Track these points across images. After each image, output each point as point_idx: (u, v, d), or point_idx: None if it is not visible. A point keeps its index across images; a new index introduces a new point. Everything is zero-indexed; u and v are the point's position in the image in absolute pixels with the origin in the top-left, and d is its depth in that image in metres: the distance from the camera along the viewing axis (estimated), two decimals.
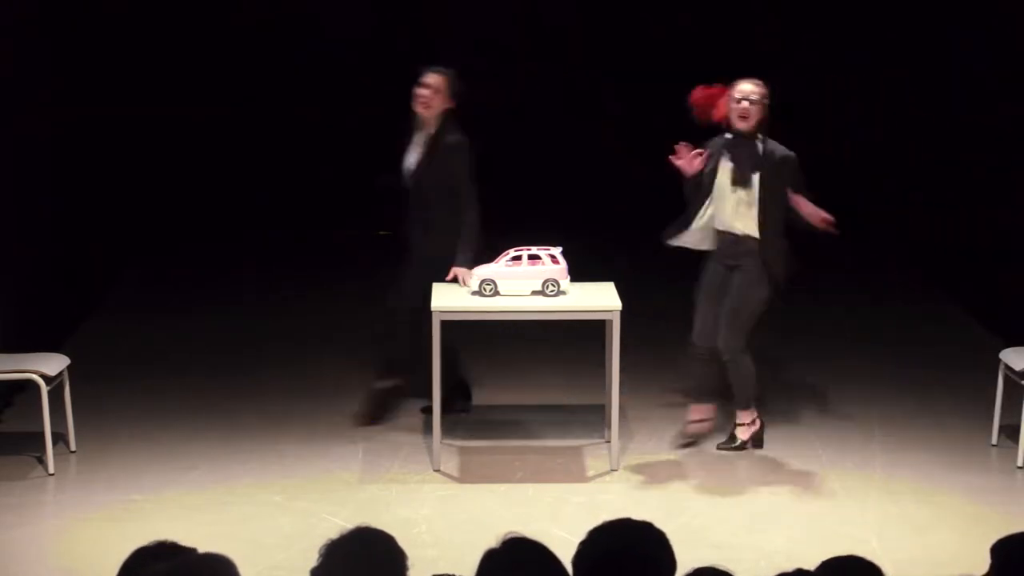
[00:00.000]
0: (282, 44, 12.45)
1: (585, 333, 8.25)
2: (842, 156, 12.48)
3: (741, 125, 7.30)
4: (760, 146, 7.33)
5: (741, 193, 7.33)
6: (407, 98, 7.63)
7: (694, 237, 7.50)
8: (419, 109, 7.62)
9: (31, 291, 8.83)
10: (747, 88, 7.33)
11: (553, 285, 7.40)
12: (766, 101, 7.33)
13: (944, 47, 11.03)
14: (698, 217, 7.44)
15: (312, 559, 3.54)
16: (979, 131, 10.45)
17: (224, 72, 12.33)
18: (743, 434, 7.59)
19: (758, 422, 7.63)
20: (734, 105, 7.31)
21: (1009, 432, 7.63)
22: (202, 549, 3.56)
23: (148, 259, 11.66)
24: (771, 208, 7.33)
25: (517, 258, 7.46)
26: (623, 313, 7.31)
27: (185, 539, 3.74)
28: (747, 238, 7.38)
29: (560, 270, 7.43)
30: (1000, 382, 7.62)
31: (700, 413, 7.68)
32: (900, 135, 12.04)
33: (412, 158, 7.67)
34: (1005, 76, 9.95)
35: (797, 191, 7.37)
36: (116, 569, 3.59)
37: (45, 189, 9.47)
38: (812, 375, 8.94)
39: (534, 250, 7.47)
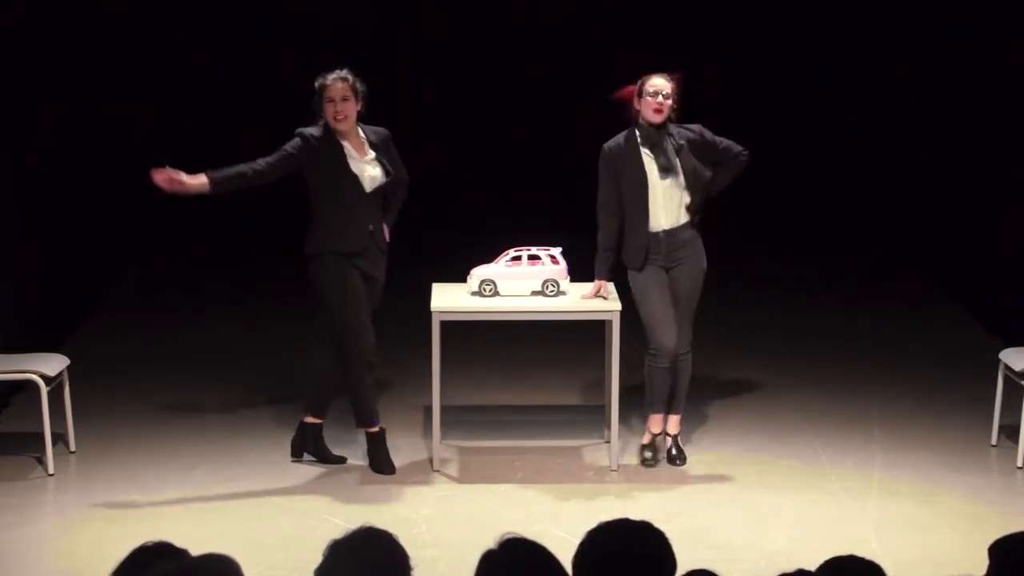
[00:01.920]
0: (280, 44, 12.45)
1: (585, 333, 8.25)
2: (842, 156, 12.49)
3: (656, 119, 7.27)
4: (672, 132, 7.31)
5: (670, 182, 7.31)
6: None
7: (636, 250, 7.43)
8: (340, 126, 7.18)
9: (31, 291, 8.83)
10: (660, 83, 7.27)
11: (553, 285, 7.40)
12: (677, 95, 7.29)
13: (944, 47, 11.02)
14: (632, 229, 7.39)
15: (312, 559, 3.54)
16: (979, 130, 10.45)
17: (223, 71, 12.32)
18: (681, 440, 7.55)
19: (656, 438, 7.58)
20: (648, 99, 7.27)
21: (1009, 432, 7.63)
22: (202, 549, 3.57)
23: (148, 259, 11.66)
24: (695, 191, 7.32)
25: (517, 258, 7.47)
26: (623, 313, 7.31)
27: (185, 539, 3.75)
28: (683, 228, 7.35)
29: (560, 270, 7.43)
30: (1000, 382, 7.62)
31: (662, 424, 7.56)
32: (900, 135, 12.04)
33: (366, 169, 7.23)
34: (1005, 75, 9.94)
35: (721, 157, 7.38)
36: (111, 570, 3.58)
37: (45, 189, 9.47)
38: (811, 375, 8.94)
39: (534, 250, 7.48)
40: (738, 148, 7.40)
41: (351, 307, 7.22)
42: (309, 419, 7.51)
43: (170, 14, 12.07)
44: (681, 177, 7.29)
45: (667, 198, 7.31)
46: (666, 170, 7.29)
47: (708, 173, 7.35)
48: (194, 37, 12.22)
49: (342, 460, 7.46)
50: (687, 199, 7.32)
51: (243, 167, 7.14)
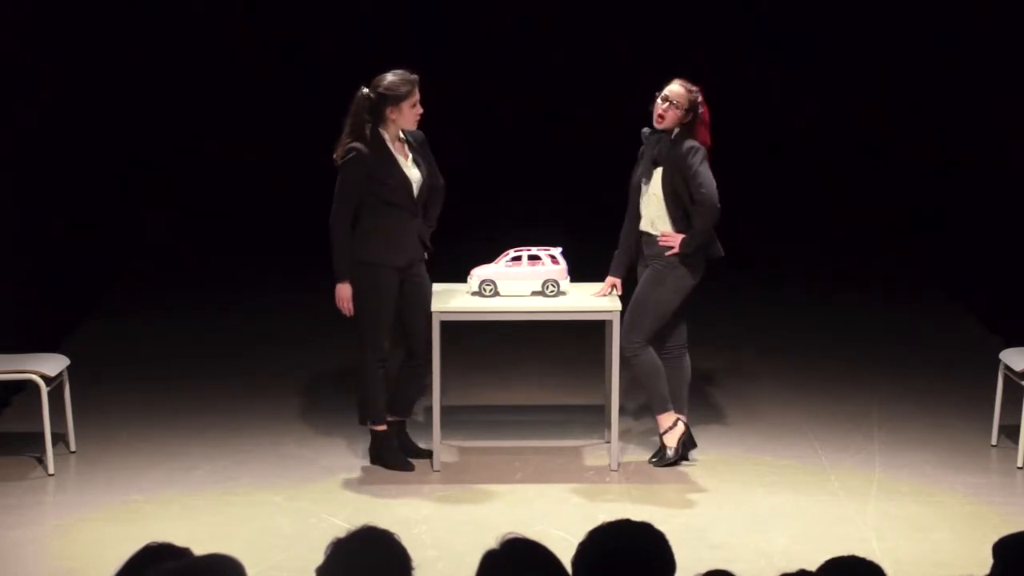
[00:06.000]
0: (279, 43, 12.45)
1: (585, 333, 8.25)
2: (841, 158, 12.49)
3: (657, 124, 7.23)
4: (671, 141, 7.22)
5: (647, 189, 7.28)
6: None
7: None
8: (414, 126, 7.23)
9: (31, 291, 8.83)
10: (672, 89, 7.20)
11: (553, 286, 7.40)
12: (690, 106, 7.16)
13: (945, 48, 11.02)
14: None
15: (312, 559, 3.55)
16: (979, 130, 10.45)
17: (223, 70, 12.32)
18: (671, 441, 7.38)
19: (680, 422, 7.40)
20: (657, 102, 7.22)
21: (1009, 432, 7.63)
22: (203, 549, 3.57)
23: (148, 259, 11.66)
24: (674, 203, 7.22)
25: (517, 258, 7.46)
26: (623, 313, 7.31)
27: (185, 539, 3.75)
28: (656, 242, 7.29)
29: (560, 270, 7.43)
30: (1000, 382, 7.62)
31: (672, 419, 7.46)
32: (901, 135, 12.03)
33: (411, 170, 7.22)
34: (1004, 76, 9.94)
35: (690, 183, 7.14)
36: (115, 569, 3.58)
37: (44, 189, 9.46)
38: (812, 375, 8.94)
39: (534, 250, 7.47)
40: (702, 192, 7.12)
41: (376, 309, 7.27)
42: (392, 419, 7.49)
43: (166, 10, 12.07)
44: (652, 189, 7.26)
45: (646, 204, 7.31)
46: (644, 177, 7.30)
47: (687, 199, 7.19)
48: (191, 34, 12.22)
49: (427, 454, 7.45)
50: (664, 218, 7.25)
51: (344, 239, 7.19)
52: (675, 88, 7.21)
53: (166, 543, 3.63)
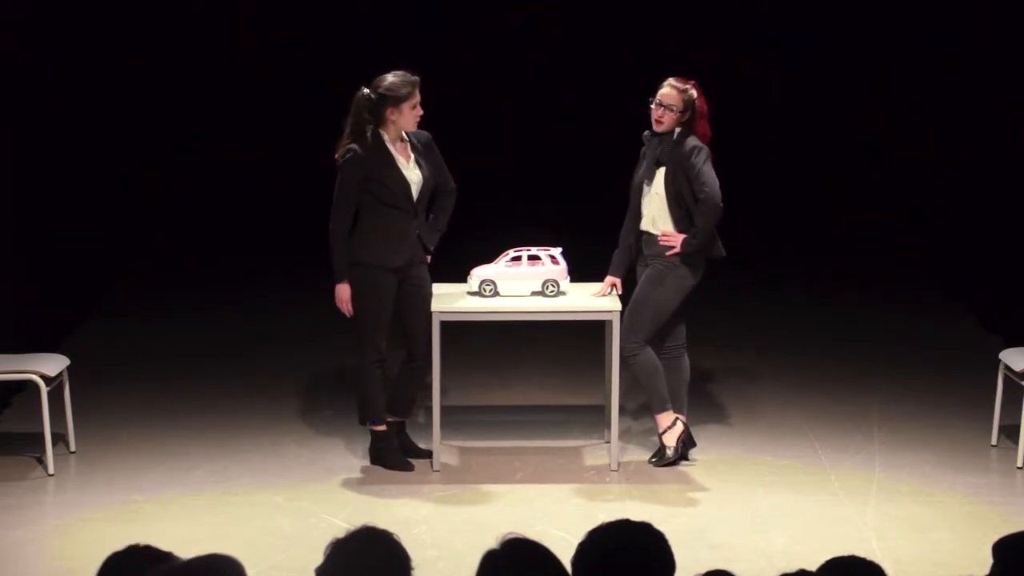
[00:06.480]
0: (279, 43, 12.45)
1: (585, 333, 8.25)
2: (841, 158, 12.49)
3: (656, 128, 7.23)
4: (673, 141, 7.21)
5: (649, 189, 7.29)
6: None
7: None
8: (415, 127, 7.25)
9: (31, 291, 8.83)
10: (665, 92, 7.19)
11: (553, 286, 7.40)
12: (685, 106, 7.15)
13: (945, 48, 11.02)
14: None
15: (312, 559, 3.55)
16: (980, 130, 10.45)
17: (222, 69, 12.32)
18: (670, 440, 7.38)
19: (679, 422, 7.40)
20: (652, 107, 7.22)
21: (1009, 432, 7.63)
22: (202, 549, 3.56)
23: (148, 259, 11.66)
24: (677, 203, 7.22)
25: (517, 258, 7.46)
26: (623, 314, 7.31)
27: (185, 539, 3.76)
28: (658, 241, 7.28)
29: (560, 271, 7.43)
30: (1000, 382, 7.62)
31: (670, 418, 7.45)
32: (901, 135, 12.03)
33: (412, 171, 7.22)
34: (1004, 76, 9.94)
35: (693, 182, 7.15)
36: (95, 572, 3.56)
37: (44, 189, 9.46)
38: (812, 375, 8.94)
39: (534, 250, 7.48)
40: (705, 191, 7.14)
41: (375, 310, 7.26)
42: (392, 419, 7.48)
43: (168, 13, 12.07)
44: (655, 188, 7.26)
45: (648, 204, 7.31)
46: (646, 177, 7.30)
47: (691, 199, 7.20)
48: (190, 32, 12.22)
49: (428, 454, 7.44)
50: (666, 217, 7.26)
51: (343, 240, 7.18)
52: (667, 91, 7.22)
53: (133, 546, 3.56)
